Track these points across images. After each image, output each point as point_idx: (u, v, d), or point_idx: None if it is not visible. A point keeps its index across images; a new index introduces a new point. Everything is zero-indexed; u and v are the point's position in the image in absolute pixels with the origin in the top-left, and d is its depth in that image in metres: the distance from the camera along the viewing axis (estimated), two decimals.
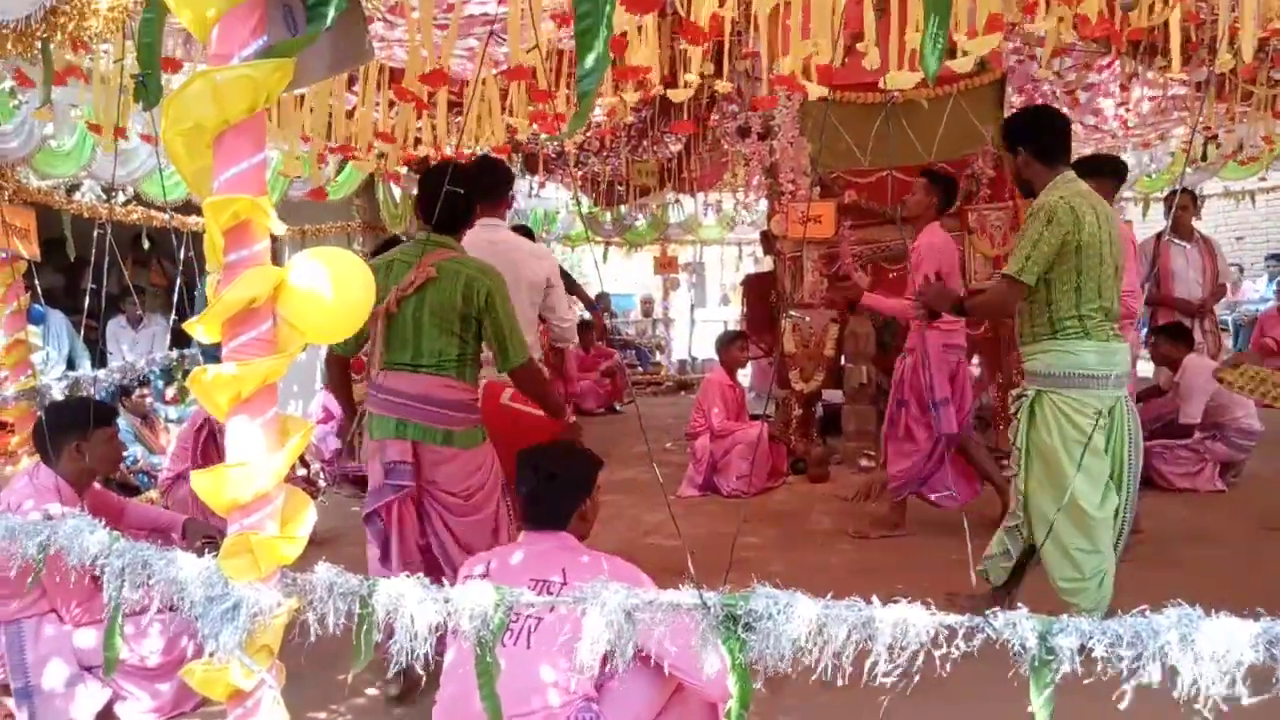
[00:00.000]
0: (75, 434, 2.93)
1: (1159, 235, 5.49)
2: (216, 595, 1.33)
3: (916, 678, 1.20)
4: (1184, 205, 5.81)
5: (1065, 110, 6.18)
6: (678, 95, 3.64)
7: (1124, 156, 6.94)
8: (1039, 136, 2.97)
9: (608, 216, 10.95)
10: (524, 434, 2.88)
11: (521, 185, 10.12)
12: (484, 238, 3.50)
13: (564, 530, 2.19)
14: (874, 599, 1.26)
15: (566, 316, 3.72)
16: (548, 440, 2.67)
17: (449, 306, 2.75)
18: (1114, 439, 2.90)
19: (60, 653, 2.81)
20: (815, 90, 2.92)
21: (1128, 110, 6.88)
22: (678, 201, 11.17)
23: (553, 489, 2.21)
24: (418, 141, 4.69)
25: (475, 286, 2.75)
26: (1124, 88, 6.31)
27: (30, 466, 3.18)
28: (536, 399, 3.03)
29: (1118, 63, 5.93)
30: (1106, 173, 3.82)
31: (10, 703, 2.84)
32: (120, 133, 3.70)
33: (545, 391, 3.02)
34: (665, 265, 12.03)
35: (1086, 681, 1.16)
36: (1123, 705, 1.16)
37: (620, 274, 17.02)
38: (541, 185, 9.25)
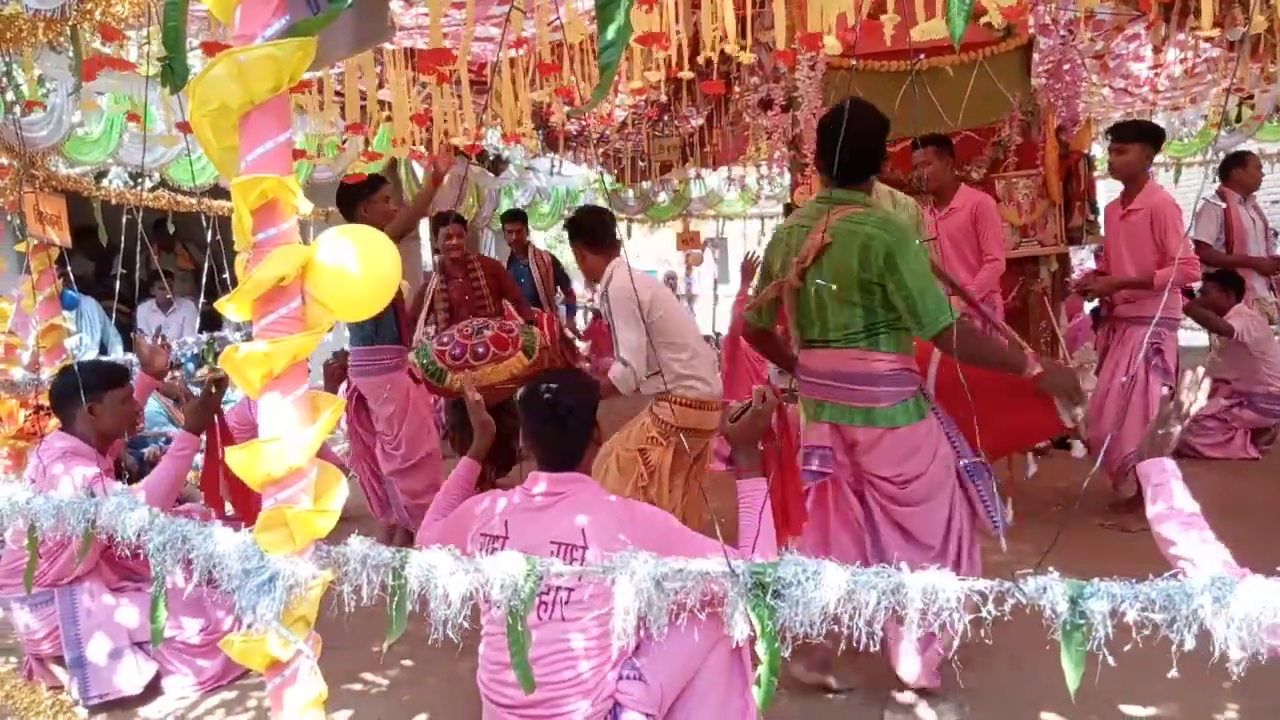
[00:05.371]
0: (85, 396, 2.87)
1: (1221, 196, 5.53)
2: (253, 568, 1.35)
3: (956, 641, 1.20)
4: (1259, 166, 5.76)
5: (1094, 75, 6.06)
6: (741, 56, 3.27)
7: (1156, 120, 6.82)
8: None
9: (630, 193, 10.89)
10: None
11: (542, 163, 10.10)
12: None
13: (576, 469, 2.12)
14: (903, 565, 1.27)
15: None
16: None
17: (845, 274, 2.37)
18: None
19: (103, 625, 2.87)
20: (831, 43, 2.85)
21: (1158, 74, 6.73)
22: (699, 176, 11.08)
23: (566, 428, 2.12)
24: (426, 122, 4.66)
25: (873, 247, 2.31)
26: (1157, 50, 6.15)
27: (51, 433, 3.15)
28: (975, 363, 2.37)
29: (1145, 28, 5.79)
30: None
31: (60, 673, 2.91)
32: (185, 128, 3.70)
33: (985, 353, 2.44)
34: (688, 241, 11.93)
35: (1126, 648, 1.16)
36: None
37: (643, 250, 16.98)
38: (562, 162, 9.22)
